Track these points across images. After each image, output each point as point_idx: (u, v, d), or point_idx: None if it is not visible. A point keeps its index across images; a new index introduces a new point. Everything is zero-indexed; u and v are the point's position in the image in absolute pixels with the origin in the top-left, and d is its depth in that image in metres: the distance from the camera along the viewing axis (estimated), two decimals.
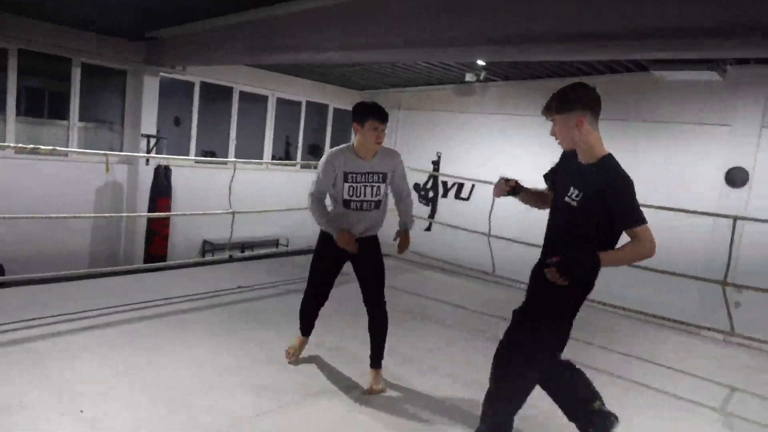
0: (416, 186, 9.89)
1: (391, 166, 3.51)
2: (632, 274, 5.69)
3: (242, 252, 8.75)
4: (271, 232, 9.31)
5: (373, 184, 3.43)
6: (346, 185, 3.40)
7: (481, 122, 9.41)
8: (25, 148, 4.67)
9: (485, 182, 6.16)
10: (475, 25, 4.24)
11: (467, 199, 9.36)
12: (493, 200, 6.03)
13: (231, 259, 6.21)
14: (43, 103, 8.33)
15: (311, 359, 3.95)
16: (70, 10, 6.37)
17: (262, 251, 8.42)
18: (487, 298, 6.20)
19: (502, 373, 2.72)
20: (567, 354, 2.77)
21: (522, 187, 2.95)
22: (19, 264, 6.57)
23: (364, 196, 3.42)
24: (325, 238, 3.56)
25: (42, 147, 5.01)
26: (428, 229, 9.49)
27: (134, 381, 3.35)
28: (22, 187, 6.72)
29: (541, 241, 2.80)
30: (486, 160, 9.08)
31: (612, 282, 6.87)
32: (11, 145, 5.43)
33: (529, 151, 8.87)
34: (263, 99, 9.68)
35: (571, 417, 2.72)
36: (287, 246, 9.39)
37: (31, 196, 6.70)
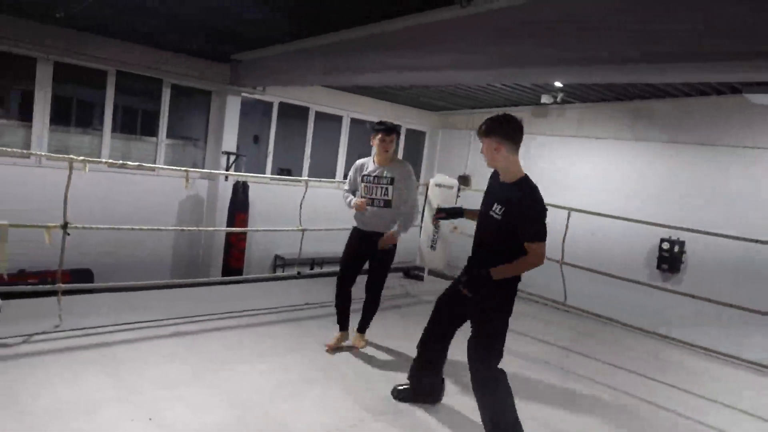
0: None
1: (399, 174, 4.22)
2: (720, 312, 5.32)
3: (311, 268, 8.92)
4: (341, 249, 9.43)
5: (382, 185, 4.22)
6: (362, 185, 4.30)
7: (557, 145, 9.17)
8: (116, 163, 4.98)
9: (560, 207, 5.95)
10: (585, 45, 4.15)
11: None
12: (567, 226, 5.82)
13: (299, 276, 6.33)
14: (136, 121, 8.94)
15: (379, 376, 3.93)
16: (164, 34, 6.83)
17: (330, 269, 8.49)
18: (556, 328, 5.95)
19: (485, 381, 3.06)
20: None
21: (463, 210, 3.55)
22: (108, 270, 7.02)
23: (375, 194, 4.23)
24: (351, 234, 4.45)
25: (129, 162, 5.32)
26: None
27: (206, 389, 3.45)
28: (114, 199, 7.22)
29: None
30: (562, 184, 8.82)
31: (700, 323, 6.49)
32: (103, 160, 5.82)
33: (608, 175, 8.56)
34: (338, 119, 9.90)
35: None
36: None
37: (121, 206, 7.18)
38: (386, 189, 4.20)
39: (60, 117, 7.64)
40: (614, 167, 8.52)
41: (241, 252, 8.37)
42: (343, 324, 4.42)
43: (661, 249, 7.85)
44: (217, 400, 3.33)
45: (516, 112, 9.69)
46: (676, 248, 7.73)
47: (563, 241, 5.77)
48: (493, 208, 2.97)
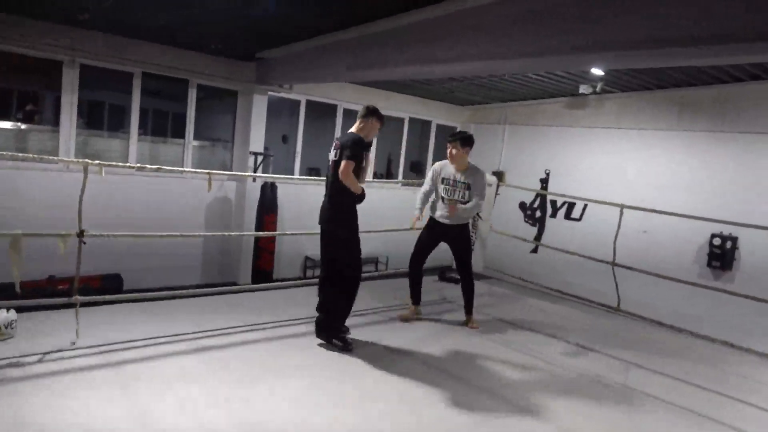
0: (522, 205, 9.37)
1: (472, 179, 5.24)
2: None
3: None
4: (371, 250, 9.20)
5: (458, 189, 5.25)
6: (442, 186, 5.31)
7: (595, 137, 8.73)
8: (133, 166, 4.86)
9: (600, 202, 5.56)
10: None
11: (579, 219, 8.68)
12: (620, 222, 5.40)
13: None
14: (164, 124, 8.88)
15: (396, 385, 3.69)
16: (189, 34, 6.70)
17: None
18: (601, 333, 5.58)
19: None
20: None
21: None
22: (137, 275, 6.96)
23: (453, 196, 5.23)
24: (428, 223, 5.37)
25: (147, 166, 5.08)
26: (534, 251, 8.92)
27: (225, 417, 3.17)
28: (142, 202, 7.16)
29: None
30: (601, 178, 8.39)
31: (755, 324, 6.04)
32: (119, 164, 5.66)
33: (649, 168, 8.08)
34: None
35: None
36: (386, 263, 9.26)
37: (150, 209, 7.12)
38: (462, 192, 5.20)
39: (90, 121, 7.60)
40: (659, 159, 8.04)
41: (271, 254, 8.21)
42: (417, 299, 5.40)
43: (711, 245, 7.36)
44: (232, 424, 3.11)
45: (552, 103, 9.33)
46: (729, 244, 7.23)
47: (615, 240, 5.36)
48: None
